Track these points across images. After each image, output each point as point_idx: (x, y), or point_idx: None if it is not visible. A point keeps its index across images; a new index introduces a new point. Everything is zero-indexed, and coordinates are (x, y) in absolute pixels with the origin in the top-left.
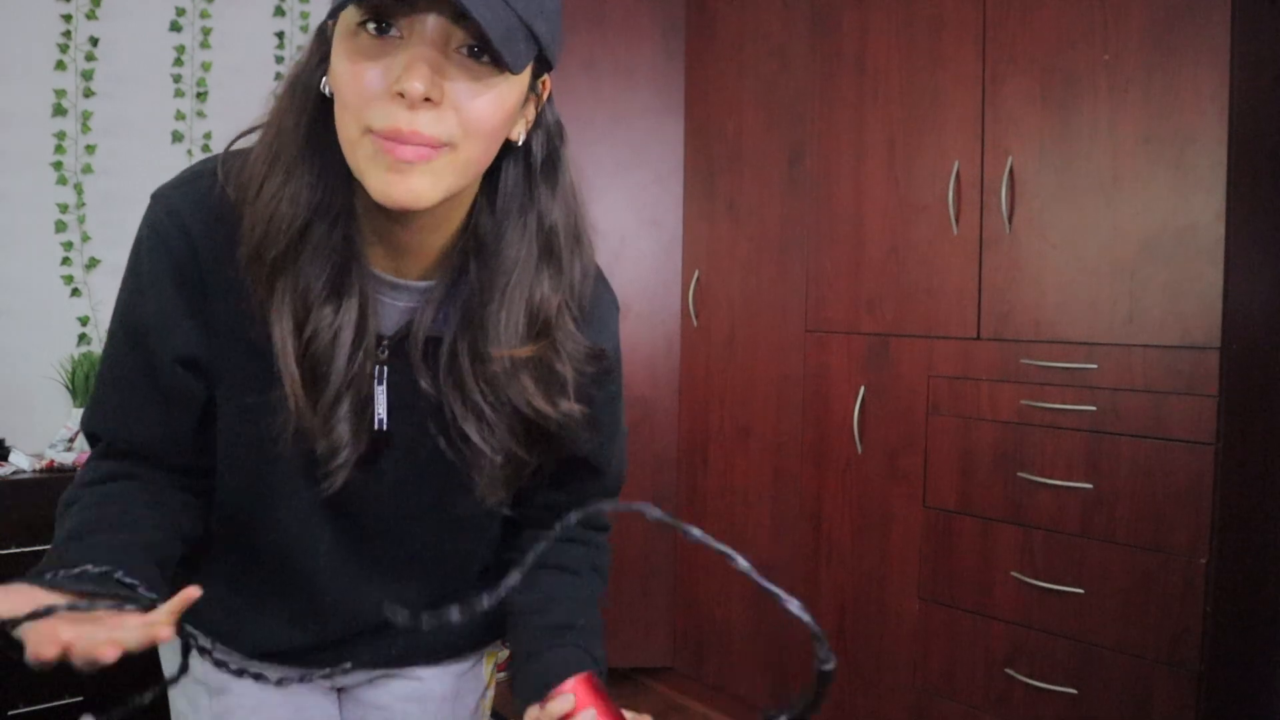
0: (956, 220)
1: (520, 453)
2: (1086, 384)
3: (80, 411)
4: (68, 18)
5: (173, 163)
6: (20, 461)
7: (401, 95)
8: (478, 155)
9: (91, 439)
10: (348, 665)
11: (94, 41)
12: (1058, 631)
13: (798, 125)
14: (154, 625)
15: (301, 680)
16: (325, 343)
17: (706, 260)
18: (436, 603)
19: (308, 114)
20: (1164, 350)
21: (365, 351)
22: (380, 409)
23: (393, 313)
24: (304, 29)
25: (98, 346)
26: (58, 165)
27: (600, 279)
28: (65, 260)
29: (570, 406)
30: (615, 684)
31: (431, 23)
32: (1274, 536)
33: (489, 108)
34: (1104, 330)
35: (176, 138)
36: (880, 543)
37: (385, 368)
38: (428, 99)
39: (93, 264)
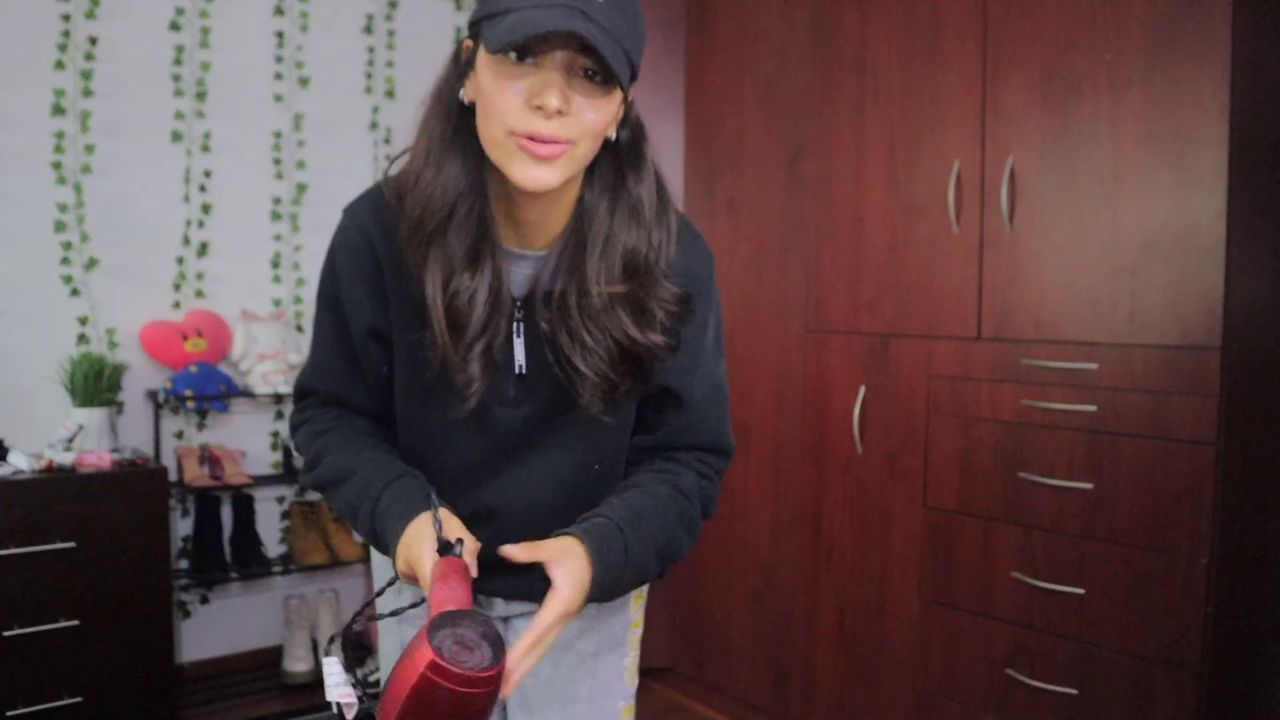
0: (957, 220)
1: (614, 375)
2: (1086, 384)
3: (79, 411)
4: (67, 17)
5: (172, 163)
6: (19, 461)
7: (539, 108)
8: (590, 150)
9: (304, 394)
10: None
11: (93, 41)
12: (1058, 631)
13: (798, 125)
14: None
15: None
16: (464, 302)
17: None
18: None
19: (451, 119)
20: (1164, 350)
21: (500, 309)
22: (520, 356)
23: (522, 278)
24: (304, 29)
25: (97, 346)
26: (57, 165)
27: (691, 236)
28: (65, 260)
29: (658, 337)
30: None
31: (560, 55)
32: (1274, 536)
33: (601, 115)
34: (1104, 330)
35: (176, 138)
36: (880, 543)
37: (521, 323)
38: (559, 111)
39: (92, 264)
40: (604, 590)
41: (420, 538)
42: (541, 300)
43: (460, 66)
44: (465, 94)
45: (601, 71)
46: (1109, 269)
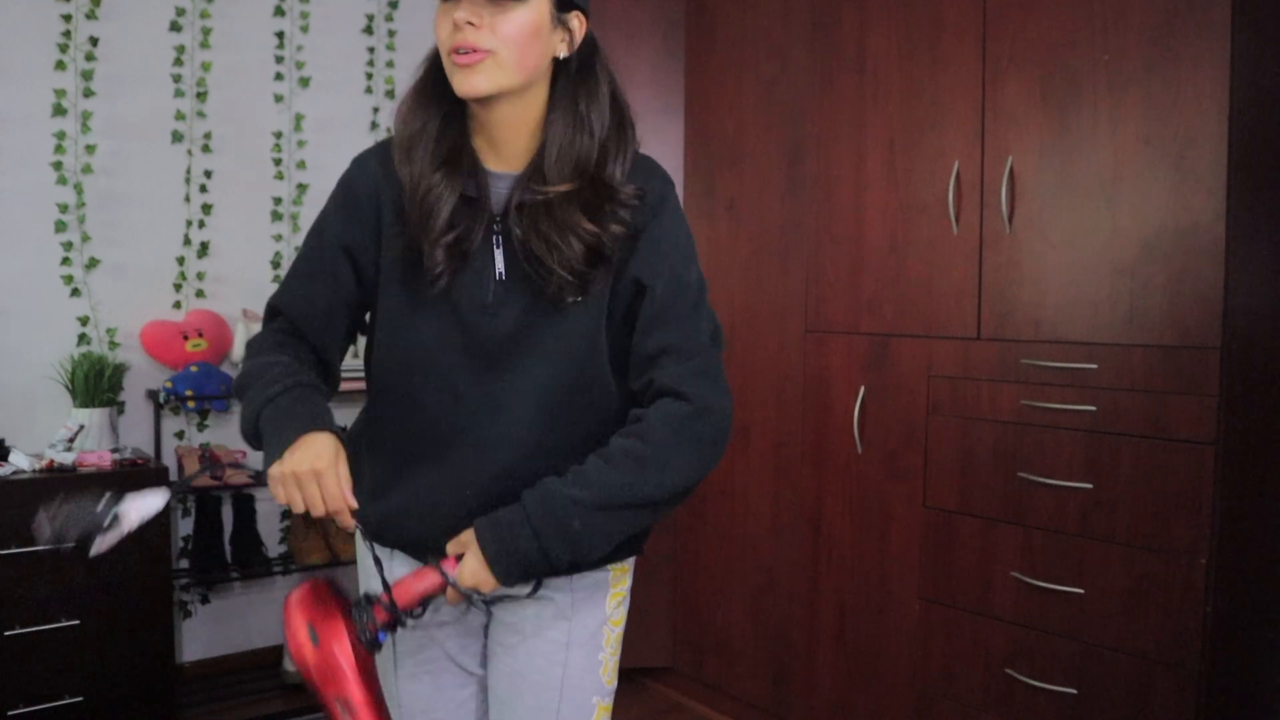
0: (956, 220)
1: (580, 266)
2: (1086, 384)
3: (80, 411)
4: (68, 18)
5: (173, 163)
6: (20, 461)
7: (458, 27)
8: (513, 58)
9: (271, 313)
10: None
11: (94, 41)
12: (1058, 631)
13: (798, 125)
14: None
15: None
16: (432, 199)
17: (706, 260)
18: (557, 459)
19: (431, 70)
20: (1164, 350)
21: (469, 213)
22: (499, 264)
23: (502, 196)
24: (304, 29)
25: (98, 346)
26: (58, 165)
27: (648, 162)
28: (65, 260)
29: (616, 228)
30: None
31: None
32: (1274, 536)
33: (516, 24)
34: (1104, 330)
35: (176, 138)
36: (880, 543)
37: (500, 235)
38: (472, 24)
39: (93, 264)
40: (507, 552)
41: (327, 454)
42: (515, 210)
43: None
44: None
45: None
46: (1108, 269)
